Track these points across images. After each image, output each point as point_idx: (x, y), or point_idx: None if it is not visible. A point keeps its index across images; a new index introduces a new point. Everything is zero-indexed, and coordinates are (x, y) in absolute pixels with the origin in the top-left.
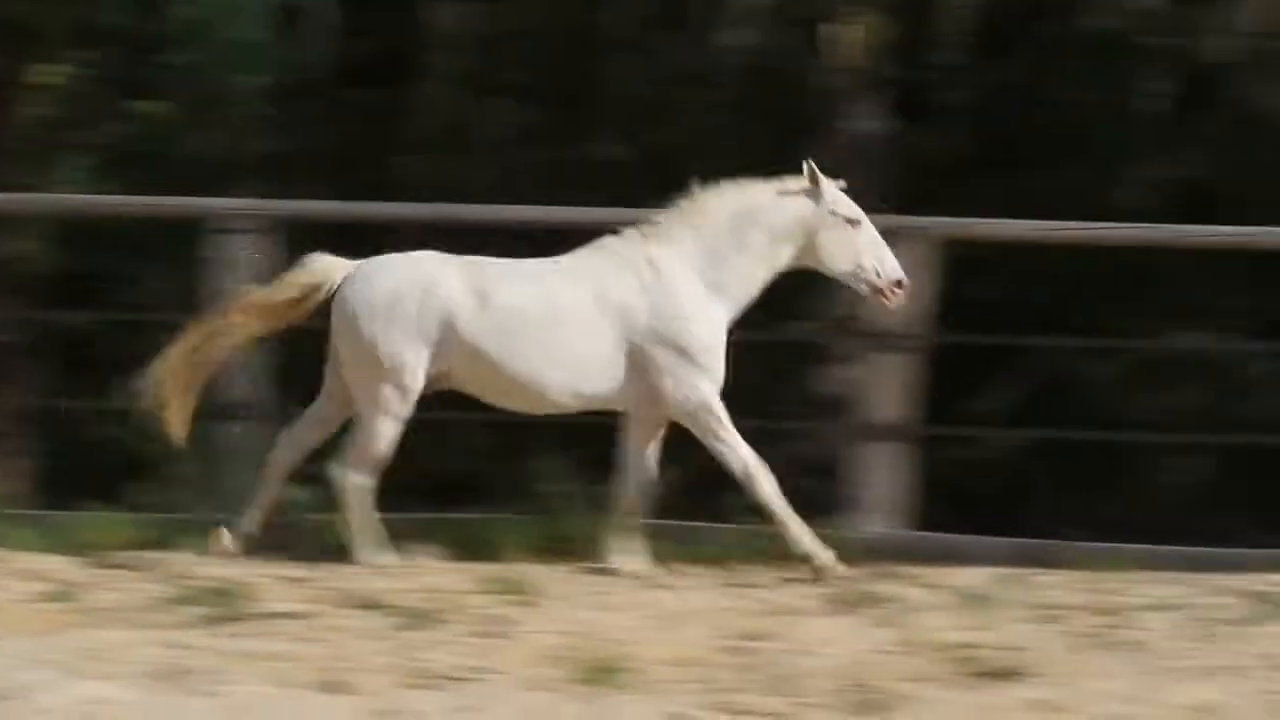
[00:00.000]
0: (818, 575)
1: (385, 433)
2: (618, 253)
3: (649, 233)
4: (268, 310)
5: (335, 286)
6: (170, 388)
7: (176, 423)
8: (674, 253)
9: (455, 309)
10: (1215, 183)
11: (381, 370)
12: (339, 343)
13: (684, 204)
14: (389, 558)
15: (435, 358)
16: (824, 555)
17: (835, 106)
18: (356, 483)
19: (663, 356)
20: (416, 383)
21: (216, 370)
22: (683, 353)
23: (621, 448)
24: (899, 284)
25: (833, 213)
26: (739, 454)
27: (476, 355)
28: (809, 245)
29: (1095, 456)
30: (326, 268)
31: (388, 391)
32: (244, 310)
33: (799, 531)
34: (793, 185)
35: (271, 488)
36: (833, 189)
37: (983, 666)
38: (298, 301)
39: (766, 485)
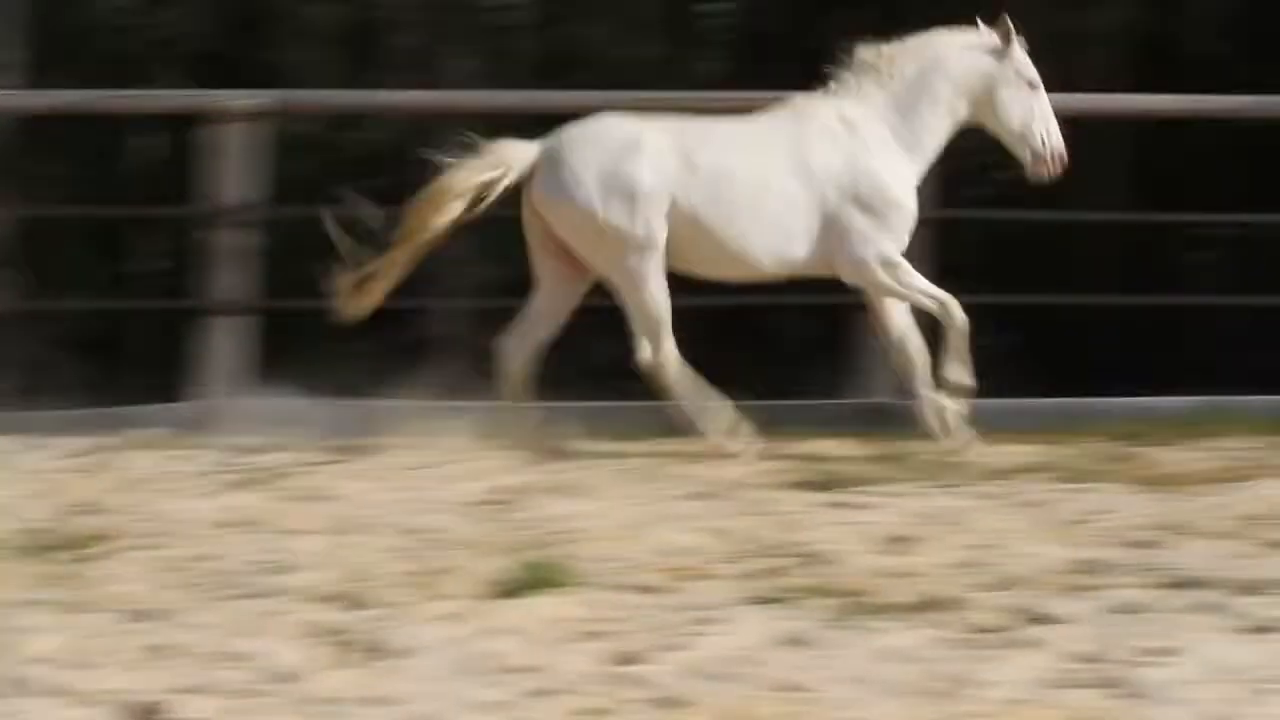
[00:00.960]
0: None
1: (653, 298)
2: (812, 114)
3: (841, 91)
4: (452, 200)
5: (529, 170)
6: (369, 277)
7: (360, 305)
8: (867, 111)
9: (666, 173)
10: None
11: (620, 242)
12: (562, 228)
13: (871, 58)
14: (737, 423)
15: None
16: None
17: None
18: (662, 359)
19: (856, 216)
20: (657, 240)
21: (412, 262)
22: (877, 212)
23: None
24: (1060, 157)
25: (1017, 72)
26: (936, 296)
27: (687, 219)
28: (988, 101)
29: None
30: (512, 153)
31: (634, 261)
32: (431, 202)
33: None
34: (977, 38)
35: (519, 396)
36: (1019, 48)
37: None
38: (484, 189)
39: (961, 318)
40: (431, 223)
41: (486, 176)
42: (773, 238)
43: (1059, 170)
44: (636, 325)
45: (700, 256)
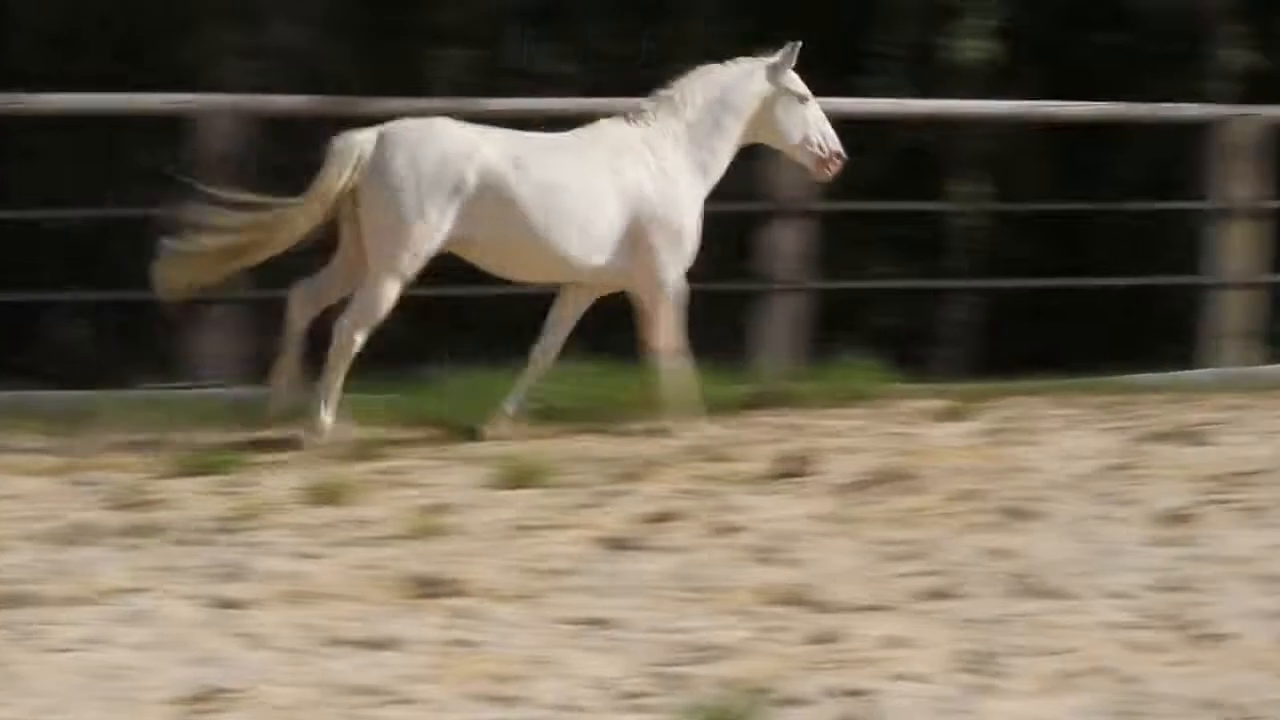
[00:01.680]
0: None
1: (390, 295)
2: (622, 136)
3: (644, 118)
4: (328, 199)
5: (366, 154)
6: (204, 269)
7: (180, 291)
8: (668, 139)
9: (498, 177)
10: None
11: (407, 235)
12: (368, 205)
13: (669, 92)
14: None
15: (463, 223)
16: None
17: None
18: (356, 340)
19: (657, 236)
20: (433, 247)
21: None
22: (672, 234)
23: (553, 315)
24: (839, 156)
25: (787, 90)
26: (671, 335)
27: (513, 223)
28: (767, 121)
29: None
30: (359, 142)
31: (407, 257)
32: (310, 203)
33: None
34: (750, 64)
35: (294, 345)
36: (789, 66)
37: None
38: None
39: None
40: (296, 229)
41: (347, 174)
42: (588, 246)
43: (838, 167)
44: (361, 306)
45: (520, 259)
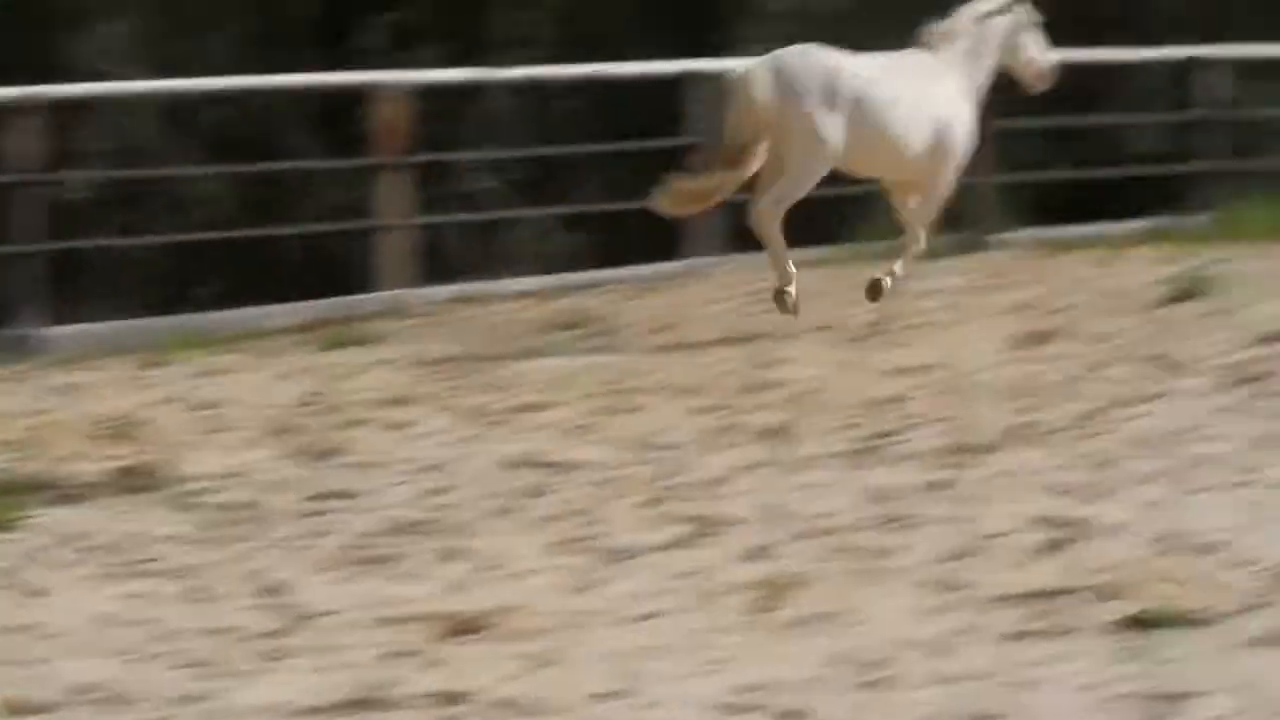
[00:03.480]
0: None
1: (807, 186)
2: (923, 60)
3: (932, 45)
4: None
5: (755, 77)
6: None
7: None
8: (951, 62)
9: (861, 92)
10: None
11: (815, 139)
12: (779, 117)
13: (944, 27)
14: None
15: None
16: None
17: None
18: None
19: (947, 140)
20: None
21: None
22: (955, 139)
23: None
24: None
25: (1022, 20)
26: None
27: (870, 129)
28: (1015, 45)
29: None
30: (749, 72)
31: (816, 158)
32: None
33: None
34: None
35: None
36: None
37: None
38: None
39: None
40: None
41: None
42: (914, 148)
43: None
44: (786, 183)
45: (871, 158)
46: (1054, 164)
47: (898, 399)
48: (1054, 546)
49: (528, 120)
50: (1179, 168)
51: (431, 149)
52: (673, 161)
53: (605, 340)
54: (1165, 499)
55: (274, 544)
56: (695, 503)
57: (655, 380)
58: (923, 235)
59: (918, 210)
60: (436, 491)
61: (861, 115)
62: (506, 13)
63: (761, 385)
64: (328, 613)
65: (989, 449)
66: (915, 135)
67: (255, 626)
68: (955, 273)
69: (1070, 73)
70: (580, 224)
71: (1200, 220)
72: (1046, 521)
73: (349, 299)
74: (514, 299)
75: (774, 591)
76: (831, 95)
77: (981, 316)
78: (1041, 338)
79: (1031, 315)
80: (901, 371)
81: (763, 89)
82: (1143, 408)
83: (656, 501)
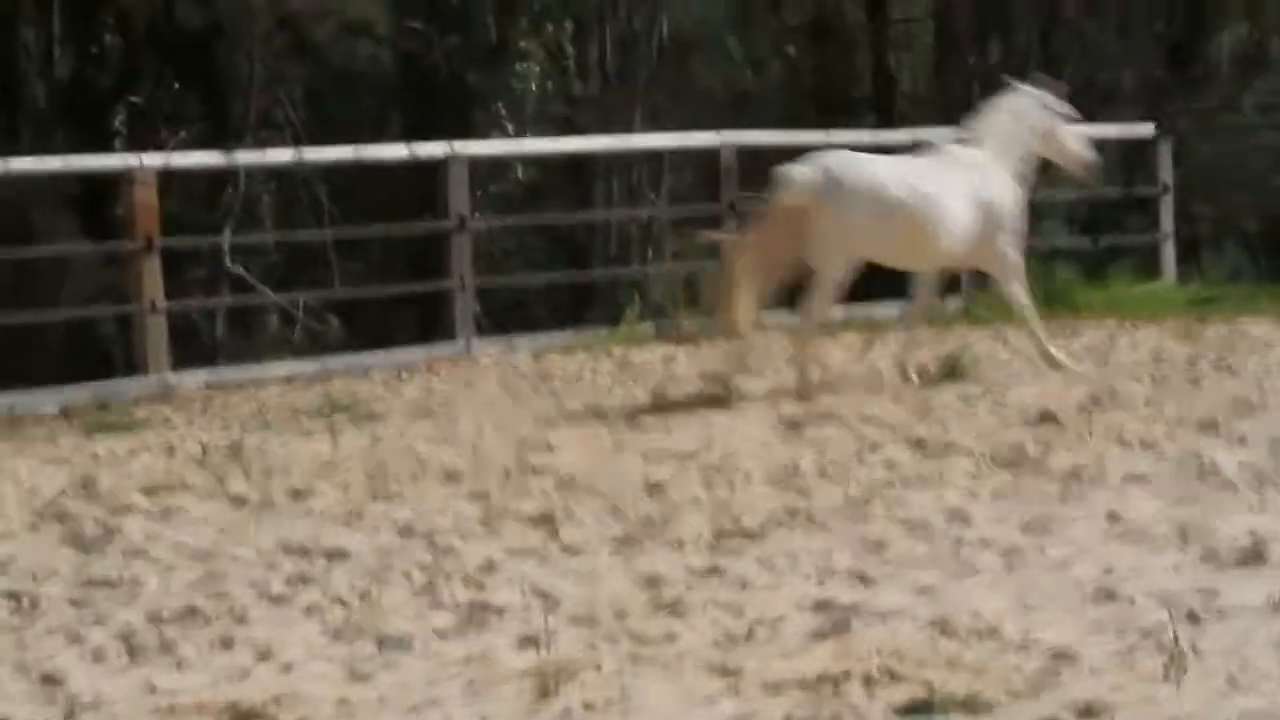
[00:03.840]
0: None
1: (833, 293)
2: (963, 156)
3: (971, 141)
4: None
5: (803, 184)
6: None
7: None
8: (993, 155)
9: (902, 196)
10: None
11: (842, 245)
12: (818, 222)
13: (982, 118)
14: None
15: (881, 230)
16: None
17: None
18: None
19: (995, 229)
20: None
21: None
22: (1006, 227)
23: (919, 288)
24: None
25: (1061, 113)
26: (1019, 290)
27: (911, 227)
28: (1051, 138)
29: None
30: (799, 173)
31: (838, 261)
32: (760, 230)
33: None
34: (1034, 92)
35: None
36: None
37: None
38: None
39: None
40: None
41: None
42: (954, 241)
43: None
44: (813, 303)
45: (908, 253)
46: None
47: (665, 483)
48: (828, 632)
49: (289, 204)
50: None
51: (191, 233)
52: (430, 245)
53: (371, 425)
54: (938, 583)
55: (47, 633)
56: (466, 590)
57: (419, 466)
58: (1019, 299)
59: (1002, 290)
60: (207, 579)
61: (905, 214)
62: (259, 96)
63: (530, 470)
64: (103, 703)
65: (759, 533)
66: (957, 228)
67: (31, 717)
68: (716, 356)
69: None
70: (338, 309)
71: (958, 302)
72: (819, 606)
73: (111, 383)
74: (279, 384)
75: (548, 679)
76: (873, 198)
77: (750, 400)
78: (808, 421)
79: (796, 398)
80: (670, 456)
81: (805, 190)
82: (913, 491)
83: (428, 589)
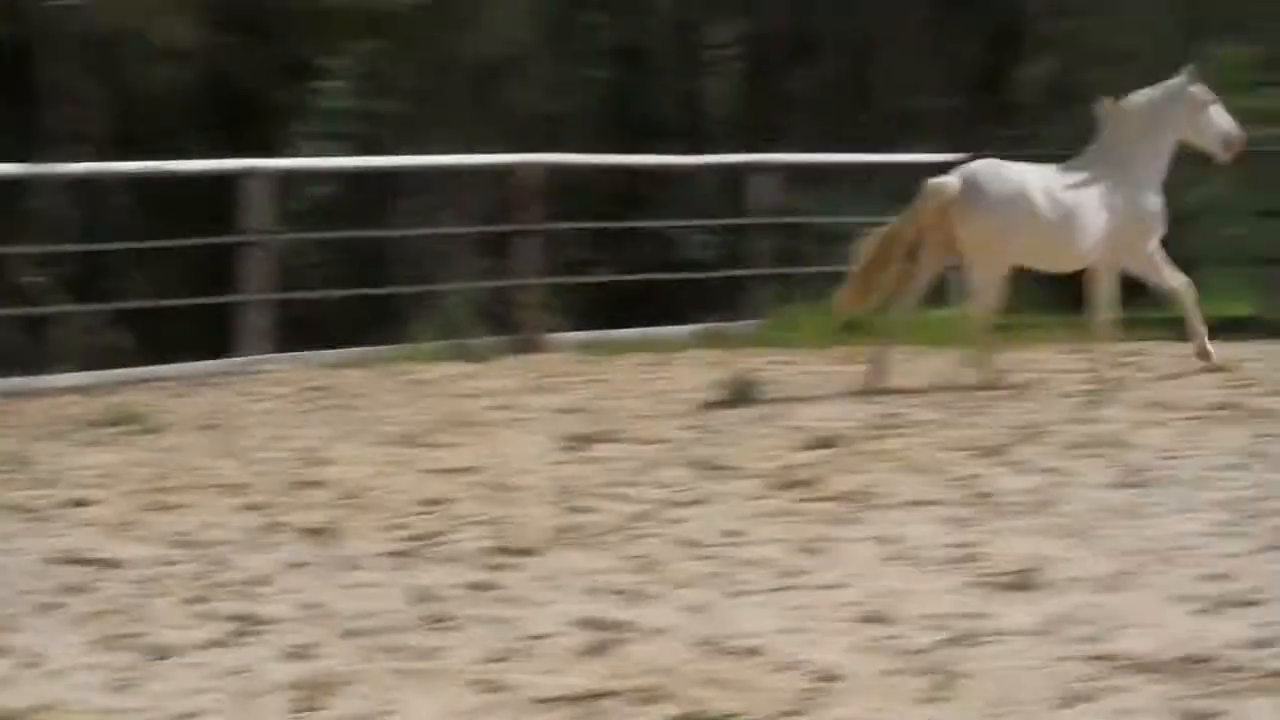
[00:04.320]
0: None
1: (998, 289)
2: (1100, 161)
3: (1105, 144)
4: (919, 230)
5: (950, 192)
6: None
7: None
8: (1126, 157)
9: (1039, 204)
10: None
11: (1001, 249)
12: (964, 230)
13: (1111, 119)
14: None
15: (1025, 238)
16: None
17: None
18: (979, 314)
19: (1132, 228)
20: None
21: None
22: (1145, 225)
23: (1093, 290)
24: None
25: (1199, 99)
26: (1171, 280)
27: (1047, 232)
28: (1192, 124)
29: None
30: (944, 183)
31: (1001, 264)
32: (898, 232)
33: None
34: (1171, 85)
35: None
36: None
37: None
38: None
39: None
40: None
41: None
42: (1090, 244)
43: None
44: (977, 296)
45: (1049, 257)
46: (607, 267)
47: (445, 499)
48: (597, 649)
49: (80, 215)
50: (730, 272)
51: None
52: (225, 258)
53: (151, 437)
54: (710, 602)
55: None
56: (238, 601)
57: (201, 478)
58: (1175, 288)
59: (1150, 278)
60: None
61: (1047, 223)
62: (58, 108)
63: (308, 484)
64: None
65: (534, 550)
66: (1095, 233)
67: None
68: (507, 374)
69: (624, 176)
70: (129, 320)
71: (750, 324)
72: (590, 624)
73: None
74: (60, 394)
75: (316, 691)
76: (1019, 208)
77: (531, 418)
78: (591, 440)
79: (582, 417)
80: (449, 472)
81: (953, 198)
82: (690, 511)
83: (199, 599)
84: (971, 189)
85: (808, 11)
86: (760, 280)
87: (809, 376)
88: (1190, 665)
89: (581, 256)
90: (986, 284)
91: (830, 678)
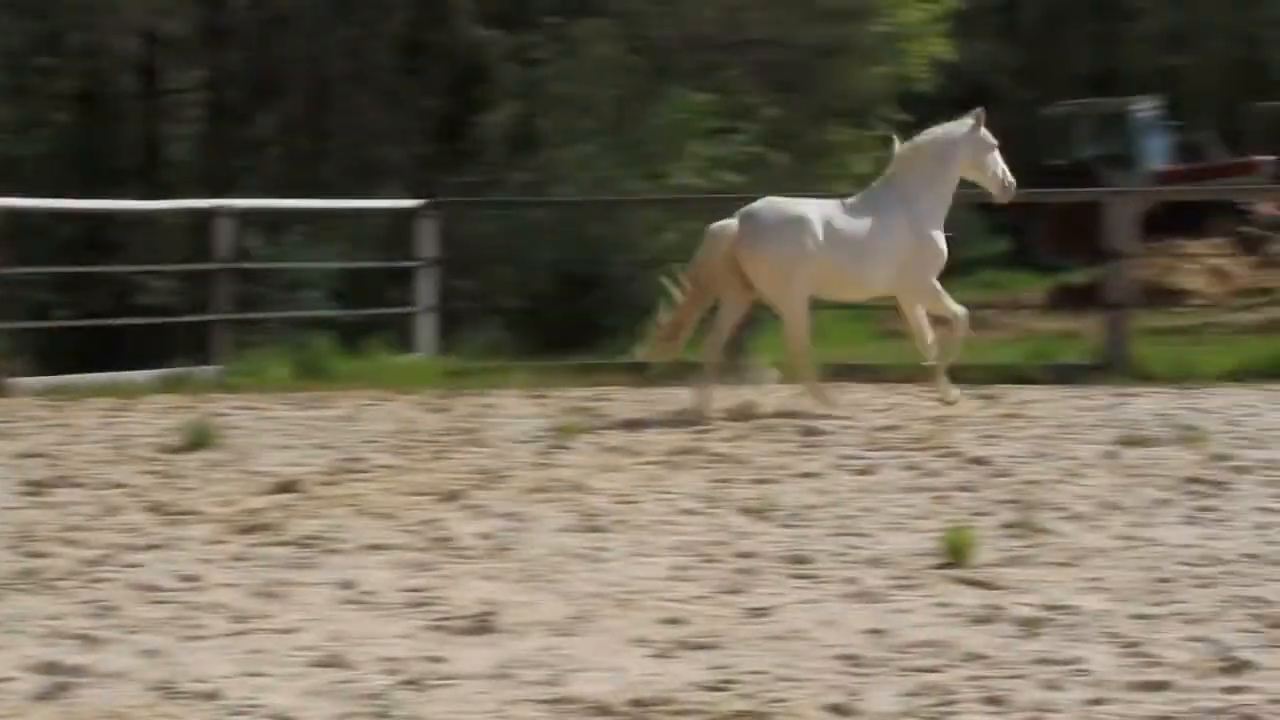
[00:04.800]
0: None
1: (803, 318)
2: (884, 194)
3: (892, 180)
4: (710, 273)
5: (730, 234)
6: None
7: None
8: (912, 191)
9: (820, 235)
10: None
11: (791, 280)
12: (750, 267)
13: (900, 156)
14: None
15: (811, 268)
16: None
17: None
18: (793, 345)
19: (916, 260)
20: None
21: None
22: (928, 257)
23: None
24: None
25: (986, 141)
26: (952, 309)
27: (832, 264)
28: (978, 164)
29: None
30: (724, 226)
31: (798, 294)
32: (693, 277)
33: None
34: (960, 126)
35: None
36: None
37: None
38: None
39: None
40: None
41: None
42: (878, 274)
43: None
44: (787, 331)
45: (838, 286)
46: (68, 311)
47: None
48: (52, 693)
49: None
50: (193, 317)
51: None
52: None
53: None
54: (167, 646)
55: None
56: None
57: None
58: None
59: (917, 316)
60: None
61: (831, 253)
62: None
63: None
64: None
65: None
66: (880, 263)
67: None
68: None
69: (84, 220)
70: None
71: (213, 369)
72: (46, 668)
73: None
74: None
75: None
76: (801, 240)
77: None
78: (49, 484)
79: (40, 462)
80: None
81: (736, 239)
82: (147, 555)
83: None
84: (751, 227)
85: (270, 56)
86: (222, 325)
87: (270, 421)
88: (644, 708)
89: (42, 300)
90: (790, 314)
91: None
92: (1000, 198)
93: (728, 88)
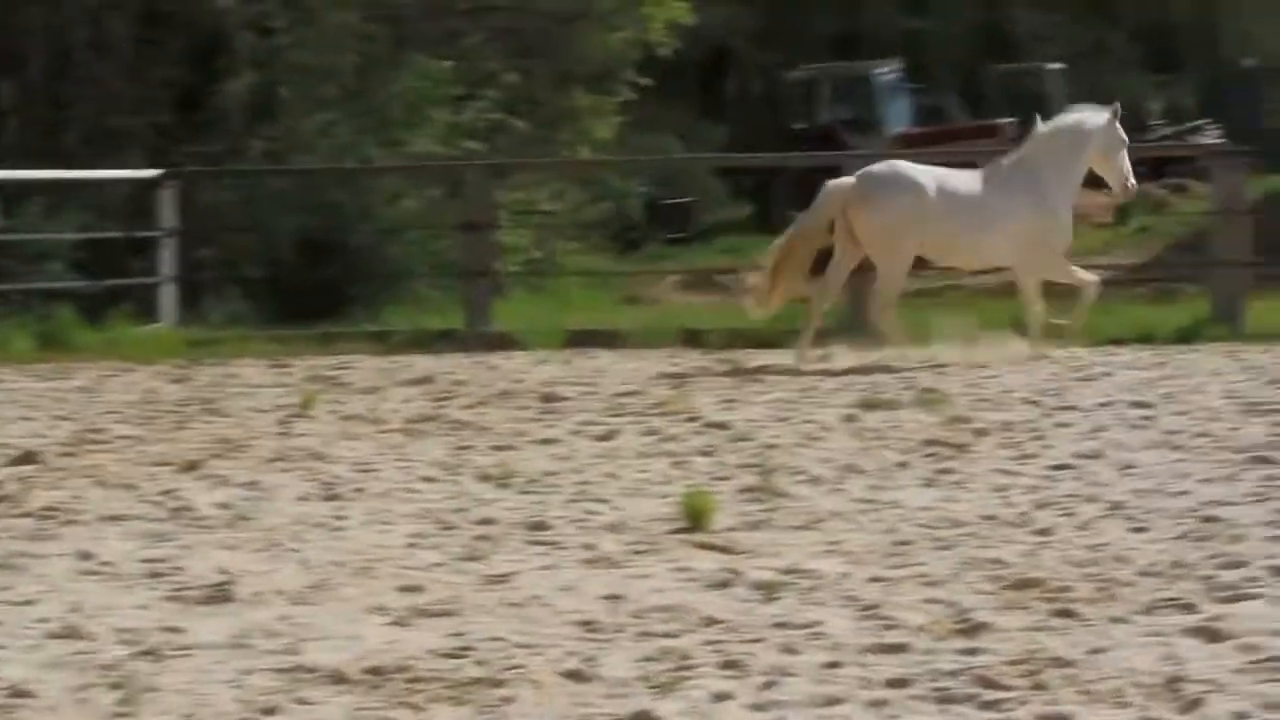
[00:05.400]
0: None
1: (899, 281)
2: (1013, 172)
3: (1024, 158)
4: (821, 229)
5: (846, 191)
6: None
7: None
8: (1042, 172)
9: (936, 201)
10: None
11: (898, 242)
12: (860, 225)
13: (1035, 137)
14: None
15: (921, 232)
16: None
17: None
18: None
19: (1041, 238)
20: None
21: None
22: (1053, 237)
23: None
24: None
25: (1119, 136)
26: (1083, 278)
27: (946, 230)
28: (1107, 157)
29: None
30: (840, 183)
31: (902, 256)
32: (800, 233)
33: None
34: (1098, 116)
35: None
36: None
37: None
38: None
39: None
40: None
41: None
42: (994, 246)
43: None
44: (882, 290)
45: (953, 253)
46: None
47: None
48: None
49: None
50: None
51: None
52: None
53: None
54: None
55: None
56: None
57: None
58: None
59: (1060, 279)
60: None
61: (944, 220)
62: None
63: None
64: None
65: None
66: (998, 238)
67: None
68: None
69: None
70: None
71: None
72: None
73: None
74: None
75: None
76: (913, 204)
77: None
78: None
79: None
80: None
81: (851, 196)
82: None
83: None
84: (867, 186)
85: (8, 25)
86: None
87: (9, 393)
88: (381, 676)
89: None
90: (887, 274)
91: (21, 694)
92: (1120, 196)
93: (469, 54)
